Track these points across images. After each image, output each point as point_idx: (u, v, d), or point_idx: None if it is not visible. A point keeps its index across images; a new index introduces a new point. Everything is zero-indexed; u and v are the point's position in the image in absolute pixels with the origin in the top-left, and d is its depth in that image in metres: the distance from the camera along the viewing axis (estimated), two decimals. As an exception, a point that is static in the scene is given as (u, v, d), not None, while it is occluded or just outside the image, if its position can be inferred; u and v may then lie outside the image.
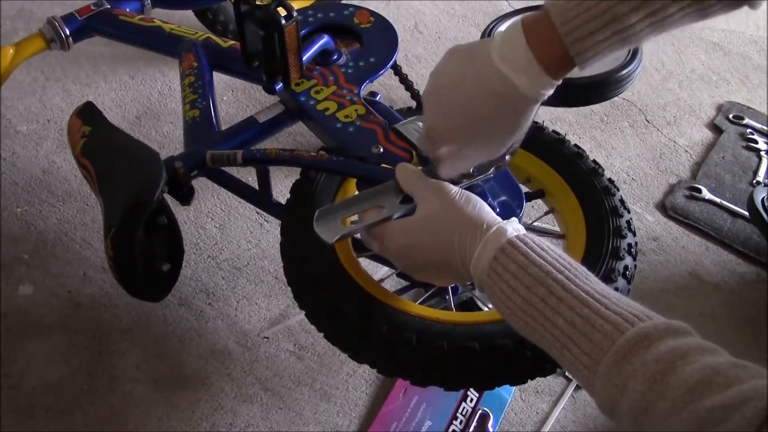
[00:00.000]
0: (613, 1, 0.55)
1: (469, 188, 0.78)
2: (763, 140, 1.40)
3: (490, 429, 0.93)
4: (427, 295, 0.90)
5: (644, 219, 1.24)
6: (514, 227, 0.62)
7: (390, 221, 0.69)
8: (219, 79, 1.05)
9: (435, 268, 0.66)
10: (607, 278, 0.77)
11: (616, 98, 1.44)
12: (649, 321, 0.52)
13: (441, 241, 0.64)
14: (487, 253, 0.60)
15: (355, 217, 0.73)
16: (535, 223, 1.08)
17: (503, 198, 0.82)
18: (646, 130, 1.42)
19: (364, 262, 0.86)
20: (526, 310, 0.57)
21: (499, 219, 0.63)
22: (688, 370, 0.48)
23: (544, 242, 0.60)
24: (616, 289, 0.77)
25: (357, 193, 0.84)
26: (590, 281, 0.56)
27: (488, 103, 0.62)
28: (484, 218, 0.63)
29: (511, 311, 0.58)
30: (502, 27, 0.77)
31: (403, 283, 0.95)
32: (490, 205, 0.80)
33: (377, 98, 0.95)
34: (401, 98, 1.36)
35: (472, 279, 0.63)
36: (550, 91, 0.61)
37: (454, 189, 0.67)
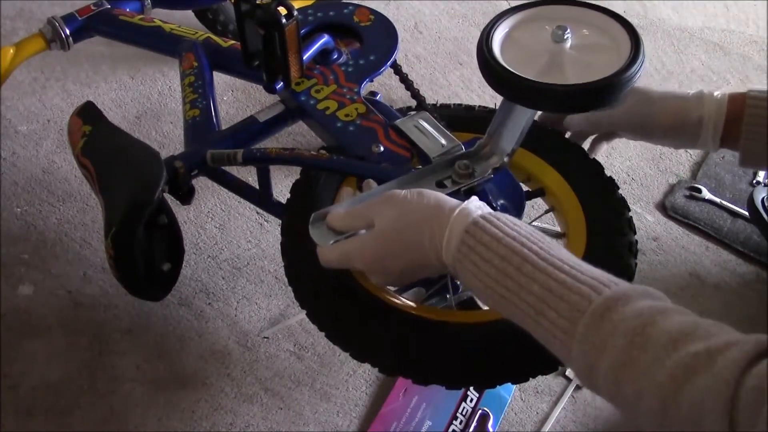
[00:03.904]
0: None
1: (470, 189, 0.78)
2: (763, 140, 1.40)
3: (490, 429, 0.93)
4: (427, 294, 0.90)
5: (644, 219, 1.24)
6: (476, 205, 0.62)
7: (350, 240, 0.69)
8: (219, 79, 1.05)
9: (412, 270, 0.67)
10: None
11: (616, 98, 1.44)
12: (625, 284, 0.53)
13: (410, 241, 0.64)
14: (456, 233, 0.60)
15: None
16: (535, 222, 1.08)
17: (504, 197, 0.82)
18: (646, 130, 1.42)
19: (365, 262, 0.86)
20: (500, 280, 0.57)
21: (459, 201, 0.63)
22: (669, 322, 0.48)
23: (511, 217, 0.61)
24: (617, 288, 0.77)
25: (353, 196, 0.84)
26: (563, 252, 0.57)
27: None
28: (444, 205, 0.63)
29: (484, 284, 0.58)
30: (501, 27, 0.77)
31: (404, 282, 0.95)
32: (489, 204, 0.81)
33: (377, 98, 0.95)
34: (401, 98, 1.36)
35: (446, 266, 0.63)
36: None
37: (403, 191, 0.67)
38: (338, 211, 0.71)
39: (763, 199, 1.15)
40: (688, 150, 1.38)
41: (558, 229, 0.93)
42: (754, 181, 1.31)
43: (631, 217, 0.84)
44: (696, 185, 1.28)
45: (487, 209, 0.62)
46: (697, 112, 0.84)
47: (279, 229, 0.84)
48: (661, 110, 0.86)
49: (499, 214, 0.61)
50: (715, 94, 0.84)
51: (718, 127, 0.83)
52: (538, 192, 0.91)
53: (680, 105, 0.85)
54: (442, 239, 0.62)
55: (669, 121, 0.86)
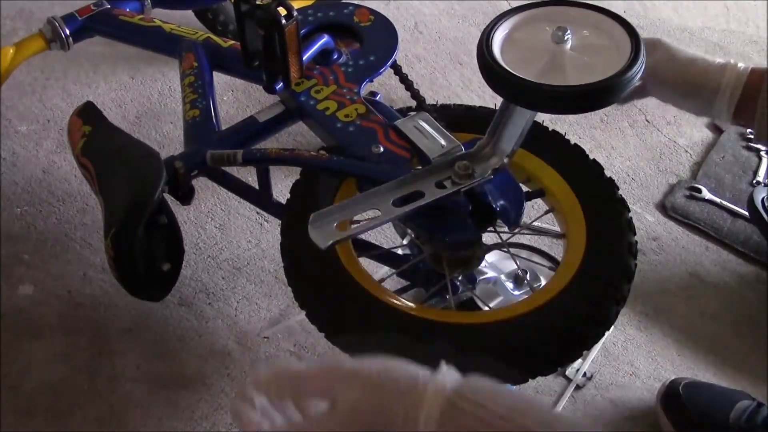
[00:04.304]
0: None
1: (470, 188, 0.78)
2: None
3: (491, 429, 0.93)
4: (427, 295, 0.90)
5: (644, 219, 1.24)
6: (450, 378, 0.54)
7: (302, 425, 0.57)
8: (219, 79, 1.05)
9: None
10: (608, 278, 0.77)
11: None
12: None
13: (380, 425, 0.54)
14: (433, 416, 0.52)
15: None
16: (535, 223, 1.08)
17: (504, 198, 0.82)
18: (646, 130, 1.42)
19: (365, 262, 0.86)
20: None
21: (427, 373, 0.55)
22: None
23: (486, 383, 0.54)
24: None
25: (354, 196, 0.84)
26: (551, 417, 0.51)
27: None
28: (413, 380, 0.54)
29: None
30: (501, 28, 0.77)
31: (404, 283, 0.95)
32: (489, 206, 0.80)
33: (377, 98, 0.95)
34: (401, 98, 1.35)
35: None
36: None
37: (364, 365, 0.57)
38: (270, 374, 0.58)
39: (763, 199, 1.15)
40: (688, 150, 1.38)
41: (558, 229, 0.93)
42: (754, 181, 1.32)
43: (631, 217, 0.84)
44: (696, 185, 1.28)
45: (458, 378, 0.54)
46: (716, 78, 0.84)
47: (279, 229, 0.84)
48: (682, 70, 0.86)
49: (473, 382, 0.54)
50: (739, 65, 0.84)
51: (734, 96, 0.83)
52: (538, 193, 0.91)
53: (702, 67, 0.85)
54: (417, 421, 0.53)
55: (688, 82, 0.86)
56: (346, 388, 0.55)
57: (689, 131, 1.43)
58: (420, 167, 0.82)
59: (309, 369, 0.56)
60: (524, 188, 0.86)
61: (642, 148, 1.37)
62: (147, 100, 1.33)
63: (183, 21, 1.15)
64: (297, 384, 0.57)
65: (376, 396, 0.55)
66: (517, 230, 0.91)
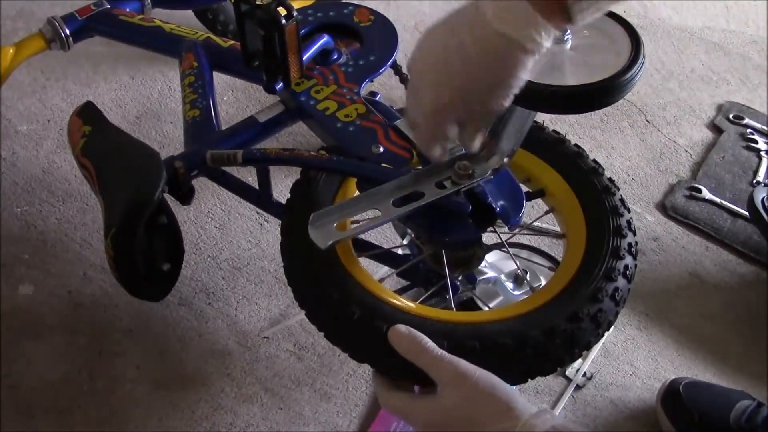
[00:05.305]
0: None
1: (470, 188, 0.78)
2: (763, 140, 1.40)
3: (491, 429, 0.93)
4: (427, 294, 0.90)
5: (644, 219, 1.24)
6: (543, 419, 0.59)
7: (412, 401, 0.65)
8: (219, 79, 1.05)
9: None
10: (608, 277, 0.77)
11: (616, 98, 1.44)
12: None
13: (469, 427, 0.61)
14: None
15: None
16: (535, 223, 1.08)
17: (503, 198, 0.82)
18: (646, 130, 1.42)
19: (365, 262, 0.86)
20: None
21: (528, 406, 0.60)
22: None
23: (578, 427, 0.58)
24: (616, 288, 0.77)
25: (354, 196, 0.84)
26: None
27: (488, 65, 0.59)
28: (513, 408, 0.60)
29: None
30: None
31: (404, 282, 0.95)
32: (490, 205, 0.80)
33: (377, 98, 0.95)
34: (401, 98, 1.36)
35: None
36: (550, 43, 0.59)
37: (476, 374, 0.63)
38: (411, 334, 0.67)
39: (763, 199, 1.15)
40: (688, 150, 1.38)
41: (558, 229, 0.93)
42: (754, 181, 1.32)
43: (631, 217, 0.84)
44: (696, 185, 1.28)
45: (551, 416, 0.59)
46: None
47: (279, 229, 0.84)
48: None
49: (569, 424, 0.58)
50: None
51: None
52: (538, 193, 0.91)
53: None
54: None
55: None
56: (455, 386, 0.62)
57: (689, 131, 1.43)
58: (420, 167, 0.82)
59: (436, 352, 0.64)
60: (524, 188, 0.86)
61: (642, 148, 1.37)
62: (147, 100, 1.33)
63: (183, 21, 1.15)
64: (426, 361, 0.64)
65: (476, 406, 0.61)
66: (517, 230, 0.91)
